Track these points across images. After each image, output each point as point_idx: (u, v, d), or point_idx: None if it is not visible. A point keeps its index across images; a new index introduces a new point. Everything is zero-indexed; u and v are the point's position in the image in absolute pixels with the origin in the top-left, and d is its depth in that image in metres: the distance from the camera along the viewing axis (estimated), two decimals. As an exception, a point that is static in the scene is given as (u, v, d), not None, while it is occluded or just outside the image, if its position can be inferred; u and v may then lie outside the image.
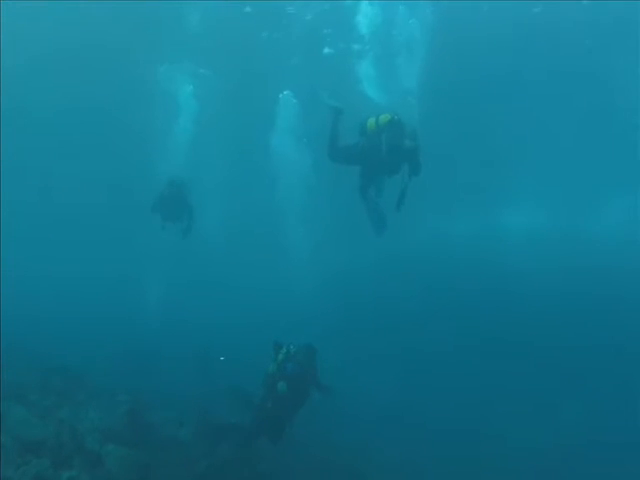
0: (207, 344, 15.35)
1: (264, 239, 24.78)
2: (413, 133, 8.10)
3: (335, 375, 9.53)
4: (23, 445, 8.20)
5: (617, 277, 21.14)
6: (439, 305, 23.11)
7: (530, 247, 23.28)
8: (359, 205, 8.90)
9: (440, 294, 23.53)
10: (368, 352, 19.02)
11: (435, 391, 16.86)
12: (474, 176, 20.92)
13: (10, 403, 9.27)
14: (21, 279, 21.53)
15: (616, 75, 15.69)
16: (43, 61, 17.36)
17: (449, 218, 25.04)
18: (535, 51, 15.24)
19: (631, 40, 14.24)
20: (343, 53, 15.80)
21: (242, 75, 17.05)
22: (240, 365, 12.06)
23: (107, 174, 22.74)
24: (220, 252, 25.17)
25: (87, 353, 14.24)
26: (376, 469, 11.74)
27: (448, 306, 23.04)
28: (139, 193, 14.11)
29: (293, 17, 14.82)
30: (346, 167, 8.78)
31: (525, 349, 19.79)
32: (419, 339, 20.75)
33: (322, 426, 11.80)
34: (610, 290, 21.25)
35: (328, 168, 9.34)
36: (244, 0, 14.46)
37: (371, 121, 8.35)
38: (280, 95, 17.09)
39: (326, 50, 15.98)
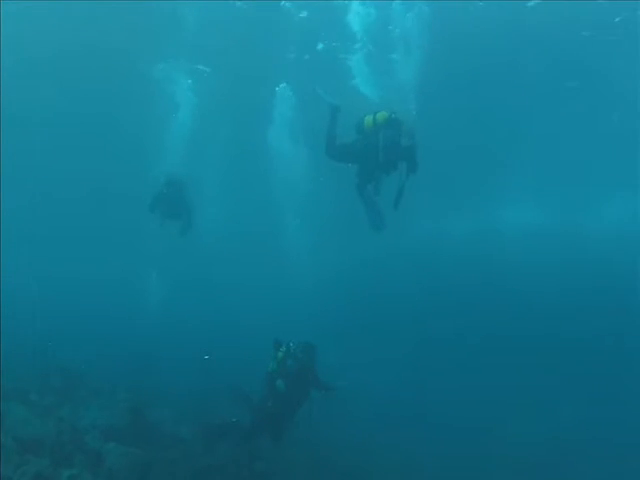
0: (207, 344, 15.36)
1: (262, 236, 24.77)
2: (411, 131, 8.08)
3: (335, 373, 9.55)
4: (23, 444, 8.22)
5: (617, 274, 21.15)
6: (439, 302, 23.14)
7: (529, 244, 23.27)
8: (358, 202, 8.92)
9: (439, 291, 23.57)
10: (368, 349, 19.03)
11: (435, 388, 16.89)
12: (473, 173, 20.89)
13: (10, 403, 9.30)
14: (20, 279, 21.50)
15: (616, 70, 15.65)
16: (40, 61, 17.32)
17: (448, 215, 25.02)
18: (534, 45, 15.18)
19: (631, 33, 14.20)
20: (337, 50, 15.78)
21: (239, 70, 17.00)
22: (240, 364, 12.08)
23: (104, 174, 22.72)
24: (219, 250, 25.16)
25: (87, 352, 14.26)
26: (377, 467, 11.71)
27: (448, 303, 23.07)
28: (138, 192, 14.07)
29: (288, 13, 14.78)
30: (344, 165, 8.76)
31: (524, 345, 19.83)
32: (419, 336, 20.78)
33: (322, 424, 11.81)
34: (609, 287, 21.28)
35: (326, 164, 9.33)
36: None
37: (368, 119, 8.32)
38: (277, 88, 17.09)
39: (320, 46, 15.95)
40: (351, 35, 14.92)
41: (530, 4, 13.84)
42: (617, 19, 13.98)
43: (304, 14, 14.74)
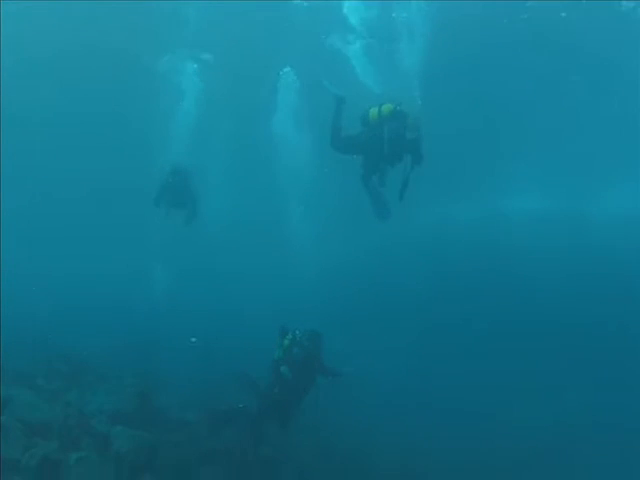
0: (212, 332, 15.47)
1: (267, 225, 24.78)
2: (416, 124, 8.07)
3: (341, 360, 9.62)
4: (31, 428, 8.33)
5: (621, 260, 21.16)
6: (444, 289, 23.18)
7: (534, 231, 23.23)
8: (363, 192, 8.96)
9: (445, 278, 23.57)
10: (374, 337, 19.08)
11: (441, 374, 16.95)
12: (478, 161, 20.86)
13: (18, 387, 9.41)
14: (25, 271, 21.67)
15: (618, 58, 15.58)
16: (42, 60, 17.47)
17: (454, 203, 24.99)
18: (537, 32, 15.09)
19: (632, 20, 14.13)
20: (339, 41, 15.80)
21: (242, 56, 16.97)
22: (246, 351, 12.16)
23: (110, 168, 22.82)
24: (223, 239, 25.21)
25: (91, 342, 14.34)
26: (382, 453, 11.78)
27: (453, 290, 23.09)
28: (143, 185, 14.12)
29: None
30: (349, 157, 8.78)
31: (529, 331, 19.86)
32: (425, 324, 20.82)
33: (328, 410, 11.90)
34: (613, 273, 21.28)
35: (331, 154, 9.37)
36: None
37: (373, 111, 8.33)
38: (280, 72, 17.01)
39: (324, 38, 15.94)
40: (351, 28, 14.95)
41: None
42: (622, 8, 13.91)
43: (306, 4, 14.76)
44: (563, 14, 14.14)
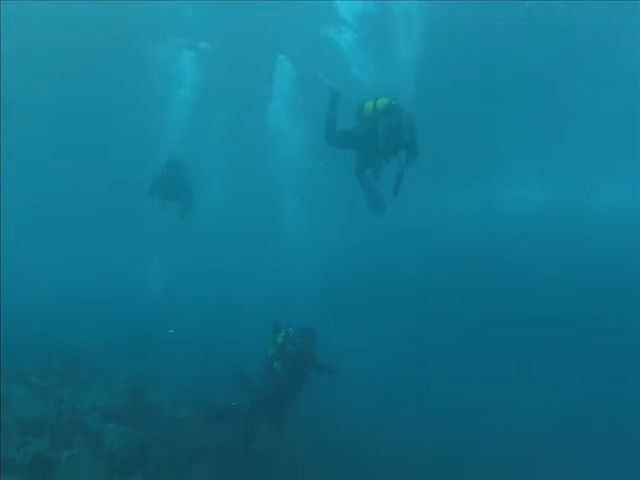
0: (207, 326, 15.42)
1: (262, 217, 24.70)
2: (411, 119, 7.91)
3: (336, 355, 9.55)
4: (24, 426, 8.29)
5: (619, 253, 21.10)
6: (441, 281, 23.13)
7: (532, 223, 23.16)
8: (357, 185, 8.85)
9: (442, 270, 23.50)
10: (370, 330, 19.06)
11: (438, 367, 16.94)
12: (476, 152, 20.74)
13: (12, 385, 9.37)
14: (22, 265, 21.60)
15: (619, 49, 15.43)
16: (41, 54, 17.31)
17: (451, 195, 24.88)
18: (536, 21, 14.90)
19: (632, 10, 13.95)
20: (334, 34, 15.72)
21: (238, 44, 16.83)
22: (241, 346, 12.10)
23: (106, 159, 22.72)
24: (218, 231, 25.13)
25: (88, 335, 14.30)
26: (377, 447, 11.72)
27: (450, 282, 23.04)
28: (139, 177, 14.02)
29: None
30: (344, 151, 8.67)
31: (527, 323, 19.84)
32: (422, 316, 20.78)
33: (322, 406, 11.86)
34: (612, 265, 21.22)
35: (325, 147, 9.25)
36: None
37: (368, 105, 8.18)
38: (276, 60, 16.99)
39: (318, 28, 15.80)
40: (344, 21, 14.83)
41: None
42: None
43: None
44: (563, 6, 13.98)
